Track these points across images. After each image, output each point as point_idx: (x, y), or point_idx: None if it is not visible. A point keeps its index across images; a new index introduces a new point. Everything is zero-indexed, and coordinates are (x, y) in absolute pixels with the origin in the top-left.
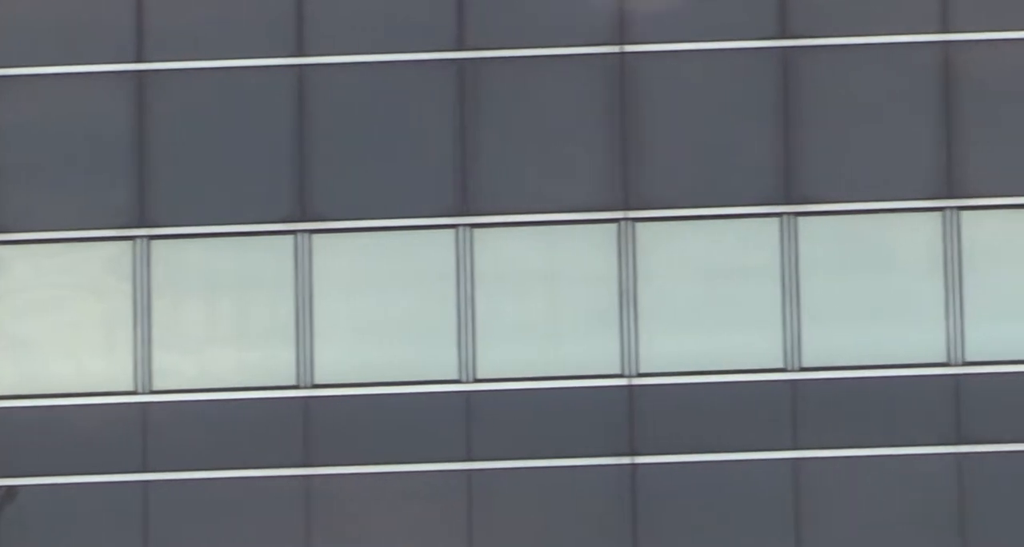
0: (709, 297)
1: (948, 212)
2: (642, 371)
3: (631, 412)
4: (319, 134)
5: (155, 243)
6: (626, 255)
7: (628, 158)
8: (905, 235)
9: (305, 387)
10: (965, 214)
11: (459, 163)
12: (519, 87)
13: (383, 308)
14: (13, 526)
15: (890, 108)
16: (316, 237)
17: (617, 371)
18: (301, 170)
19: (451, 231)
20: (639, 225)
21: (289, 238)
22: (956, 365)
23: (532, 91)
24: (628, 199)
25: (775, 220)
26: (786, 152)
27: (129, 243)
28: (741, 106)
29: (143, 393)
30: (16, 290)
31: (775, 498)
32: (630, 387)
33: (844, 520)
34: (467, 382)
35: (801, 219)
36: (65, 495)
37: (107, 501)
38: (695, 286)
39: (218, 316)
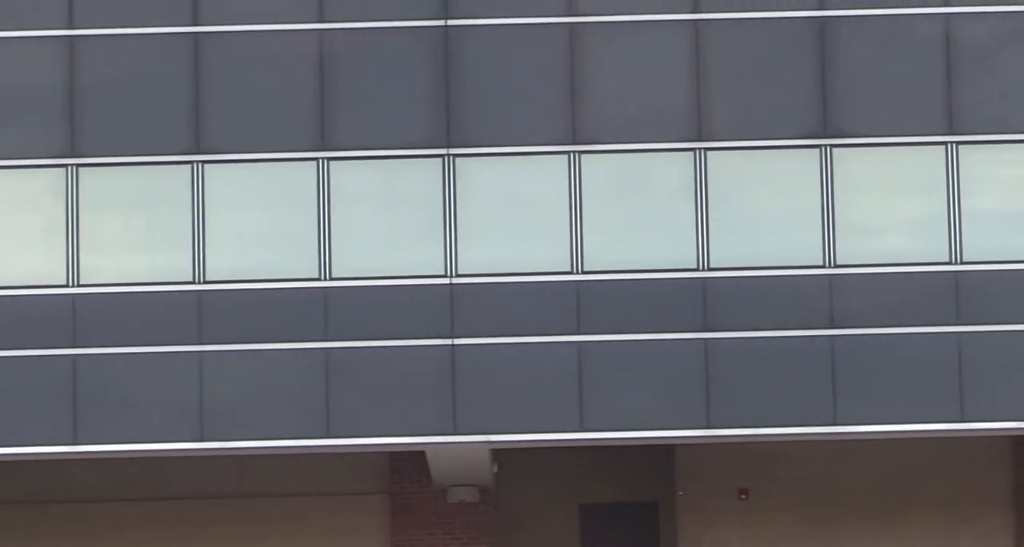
0: (512, 217)
1: (697, 152)
2: (462, 272)
3: (452, 303)
4: (212, 93)
5: (83, 170)
6: (448, 183)
7: (450, 107)
8: (665, 170)
9: (199, 282)
10: (711, 154)
11: (318, 112)
12: (369, 56)
13: (261, 223)
14: None
15: (650, 65)
16: (208, 167)
17: (441, 272)
18: (196, 109)
19: (313, 163)
20: (459, 160)
21: (187, 167)
22: (703, 270)
23: (377, 61)
24: (450, 139)
25: (563, 157)
26: (572, 99)
27: (63, 170)
28: (535, 68)
29: (73, 286)
30: None
31: (563, 377)
32: (451, 285)
33: (618, 399)
34: (324, 280)
35: (584, 156)
36: (14, 368)
37: (39, 369)
38: (502, 208)
39: (132, 228)
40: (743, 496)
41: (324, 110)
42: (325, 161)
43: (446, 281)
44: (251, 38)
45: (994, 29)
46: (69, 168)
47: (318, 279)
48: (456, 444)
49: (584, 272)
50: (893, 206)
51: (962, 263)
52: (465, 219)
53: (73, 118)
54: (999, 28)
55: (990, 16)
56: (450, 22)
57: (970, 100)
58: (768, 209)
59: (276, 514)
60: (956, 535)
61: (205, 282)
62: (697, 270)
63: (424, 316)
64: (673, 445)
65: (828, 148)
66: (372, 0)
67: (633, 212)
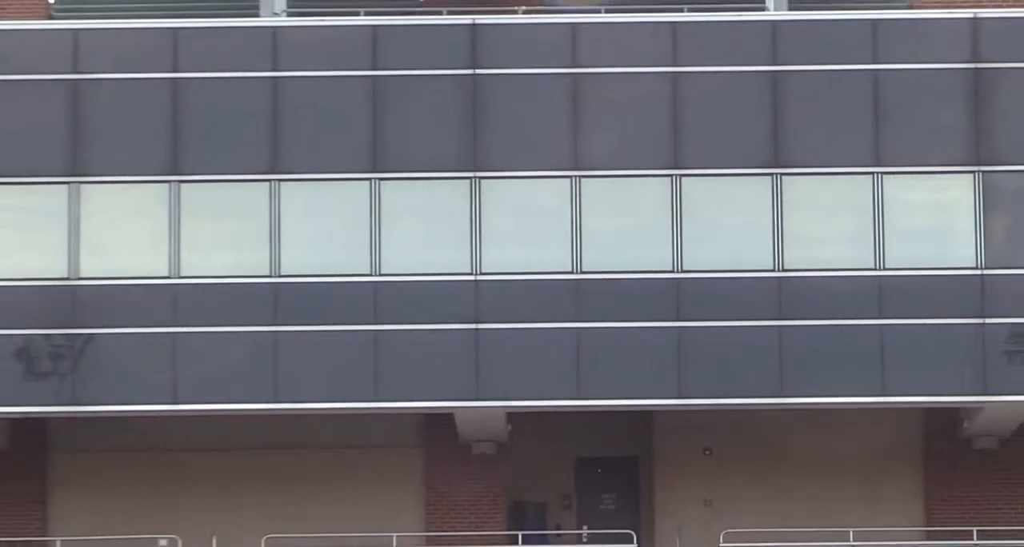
0: (525, 227)
1: (674, 177)
2: (484, 270)
3: (476, 295)
4: (287, 125)
5: (183, 185)
6: (475, 199)
7: (476, 139)
8: (648, 191)
9: (275, 276)
10: (685, 179)
11: (371, 141)
12: (413, 97)
13: (325, 229)
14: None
15: (636, 107)
16: (283, 184)
17: (467, 270)
18: (274, 137)
19: (367, 182)
20: (483, 181)
21: (266, 184)
22: (678, 272)
23: (418, 101)
24: (477, 164)
25: (567, 180)
26: (574, 133)
27: (167, 185)
28: (544, 108)
29: (175, 278)
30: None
31: (565, 356)
32: (476, 281)
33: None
34: (375, 276)
35: (583, 179)
36: (129, 342)
37: (145, 343)
38: (517, 220)
39: (222, 232)
40: (707, 452)
41: (376, 140)
42: (377, 181)
43: (472, 278)
44: (319, 81)
45: (914, 82)
46: (172, 184)
47: (370, 275)
48: (478, 408)
49: (583, 272)
50: (830, 223)
51: (884, 269)
52: (488, 228)
53: (176, 143)
54: (918, 81)
55: (910, 72)
56: (478, 71)
57: (893, 139)
58: (730, 224)
59: (332, 463)
60: (879, 488)
61: (280, 276)
62: (673, 272)
63: (454, 305)
64: (652, 411)
65: (779, 176)
66: (415, 52)
67: (622, 225)
